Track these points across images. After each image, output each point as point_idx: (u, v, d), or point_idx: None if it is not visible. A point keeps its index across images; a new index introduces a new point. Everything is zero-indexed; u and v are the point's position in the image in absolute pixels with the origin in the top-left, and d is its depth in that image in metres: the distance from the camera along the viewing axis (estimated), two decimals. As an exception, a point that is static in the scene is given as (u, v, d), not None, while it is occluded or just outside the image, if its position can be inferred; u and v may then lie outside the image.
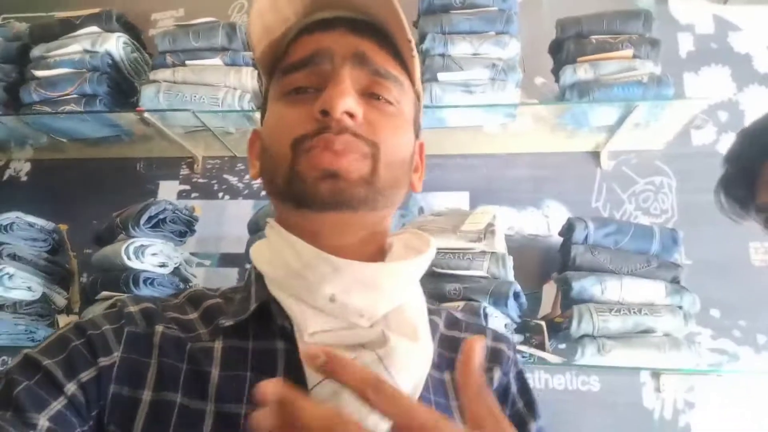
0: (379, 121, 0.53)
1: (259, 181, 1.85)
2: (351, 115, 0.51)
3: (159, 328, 0.52)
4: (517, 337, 1.35)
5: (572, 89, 1.46)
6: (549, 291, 1.48)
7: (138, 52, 1.69)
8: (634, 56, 1.46)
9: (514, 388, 0.60)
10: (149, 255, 1.37)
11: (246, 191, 1.75)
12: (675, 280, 1.36)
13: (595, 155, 1.68)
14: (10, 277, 1.32)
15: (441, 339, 0.60)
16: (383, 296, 0.52)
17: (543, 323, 1.34)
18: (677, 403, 1.44)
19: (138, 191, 1.72)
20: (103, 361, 0.49)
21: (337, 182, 0.50)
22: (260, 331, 0.53)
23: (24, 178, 1.84)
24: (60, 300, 1.42)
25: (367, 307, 0.51)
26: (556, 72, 1.54)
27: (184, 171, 1.79)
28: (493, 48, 1.45)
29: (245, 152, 1.75)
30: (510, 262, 1.33)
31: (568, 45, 1.51)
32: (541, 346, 1.35)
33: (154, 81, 1.54)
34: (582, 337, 1.30)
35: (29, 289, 1.35)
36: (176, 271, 1.43)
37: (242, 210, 1.70)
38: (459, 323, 0.64)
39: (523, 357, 1.33)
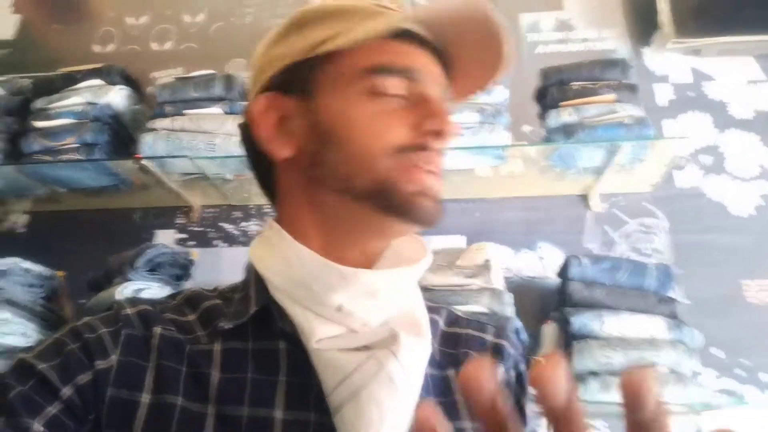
0: None
1: (254, 228, 1.86)
2: None
3: (157, 330, 0.52)
4: (518, 376, 1.32)
5: (558, 131, 1.51)
6: (549, 331, 1.47)
7: (138, 104, 1.74)
8: (615, 100, 1.53)
9: (515, 389, 0.60)
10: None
11: (242, 238, 1.76)
12: (673, 315, 1.36)
13: (584, 198, 1.72)
14: (5, 322, 1.30)
15: (442, 336, 0.61)
16: (387, 303, 0.53)
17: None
18: (685, 445, 1.40)
19: (134, 241, 1.72)
20: (100, 365, 0.49)
21: (434, 204, 0.52)
22: (260, 332, 0.53)
23: (21, 230, 1.84)
24: (52, 348, 1.39)
25: (370, 315, 0.52)
26: (541, 117, 1.61)
27: (181, 220, 1.80)
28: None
29: (242, 201, 1.81)
30: (509, 298, 1.33)
31: (551, 91, 1.58)
32: (543, 385, 1.33)
33: (153, 129, 1.58)
34: (585, 374, 1.29)
35: (24, 335, 1.32)
36: (171, 317, 1.41)
37: (238, 257, 1.69)
38: (460, 320, 0.64)
39: (526, 396, 1.31)
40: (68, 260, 1.66)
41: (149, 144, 1.55)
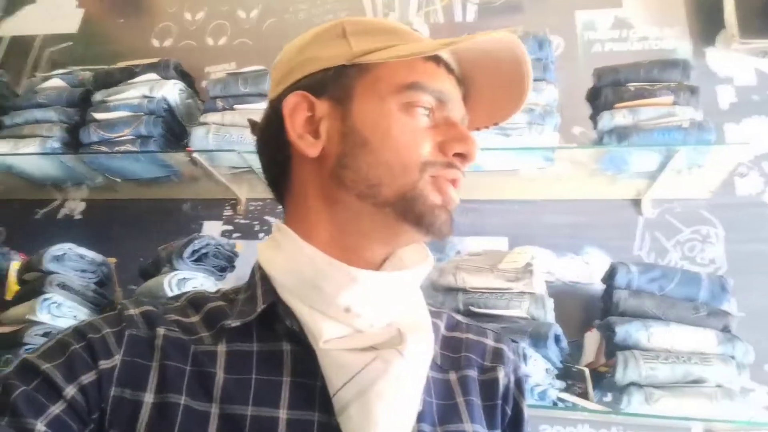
0: None
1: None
2: None
3: (161, 331, 0.52)
4: (558, 384, 1.29)
5: (610, 134, 1.46)
6: (591, 339, 1.43)
7: (192, 98, 1.79)
8: (674, 103, 1.47)
9: (514, 392, 0.62)
10: (190, 287, 1.39)
11: (286, 232, 1.78)
12: (726, 329, 1.30)
13: (636, 203, 1.66)
14: (58, 306, 1.36)
15: (443, 340, 0.62)
16: (393, 305, 0.54)
17: (586, 369, 1.29)
18: (732, 464, 1.34)
19: (183, 230, 1.78)
20: (104, 364, 0.49)
21: (449, 218, 0.55)
22: (265, 333, 0.54)
23: (78, 217, 1.93)
24: (103, 331, 1.45)
25: (377, 317, 0.53)
26: (593, 118, 1.56)
27: (228, 212, 1.85)
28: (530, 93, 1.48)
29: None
30: (550, 303, 1.30)
31: (605, 92, 1.53)
32: (584, 395, 1.29)
33: (204, 123, 1.62)
34: (628, 386, 1.24)
35: (75, 318, 1.39)
36: (215, 306, 1.45)
37: (281, 251, 1.72)
38: (460, 325, 0.65)
39: (566, 405, 1.28)
40: (120, 247, 1.74)
41: (200, 137, 1.59)
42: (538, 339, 1.22)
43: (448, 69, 0.58)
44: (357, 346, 0.51)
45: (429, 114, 0.56)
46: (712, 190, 1.61)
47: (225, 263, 1.50)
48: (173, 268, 1.40)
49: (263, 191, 1.81)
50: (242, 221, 1.82)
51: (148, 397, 0.49)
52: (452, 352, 0.61)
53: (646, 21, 1.90)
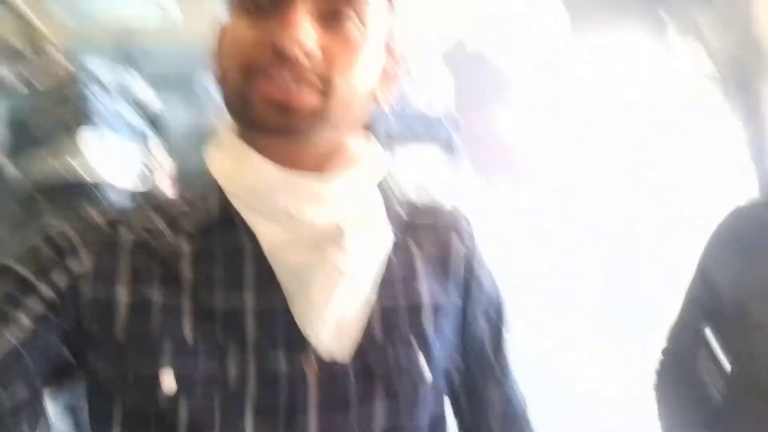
0: (337, 53, 0.51)
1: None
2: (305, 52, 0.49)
3: (127, 234, 0.54)
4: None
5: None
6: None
7: None
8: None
9: (478, 274, 0.65)
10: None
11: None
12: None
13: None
14: None
15: (406, 226, 0.63)
16: (335, 208, 0.54)
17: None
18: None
19: None
20: (76, 267, 0.51)
21: (286, 115, 0.49)
22: (225, 231, 0.55)
23: None
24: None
25: (317, 218, 0.53)
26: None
27: None
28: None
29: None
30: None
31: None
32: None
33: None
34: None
35: None
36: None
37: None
38: (417, 208, 0.67)
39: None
40: None
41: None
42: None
43: None
44: (298, 244, 0.53)
45: (273, 8, 0.51)
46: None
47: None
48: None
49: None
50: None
51: (122, 296, 0.51)
52: (414, 234, 0.63)
53: None
